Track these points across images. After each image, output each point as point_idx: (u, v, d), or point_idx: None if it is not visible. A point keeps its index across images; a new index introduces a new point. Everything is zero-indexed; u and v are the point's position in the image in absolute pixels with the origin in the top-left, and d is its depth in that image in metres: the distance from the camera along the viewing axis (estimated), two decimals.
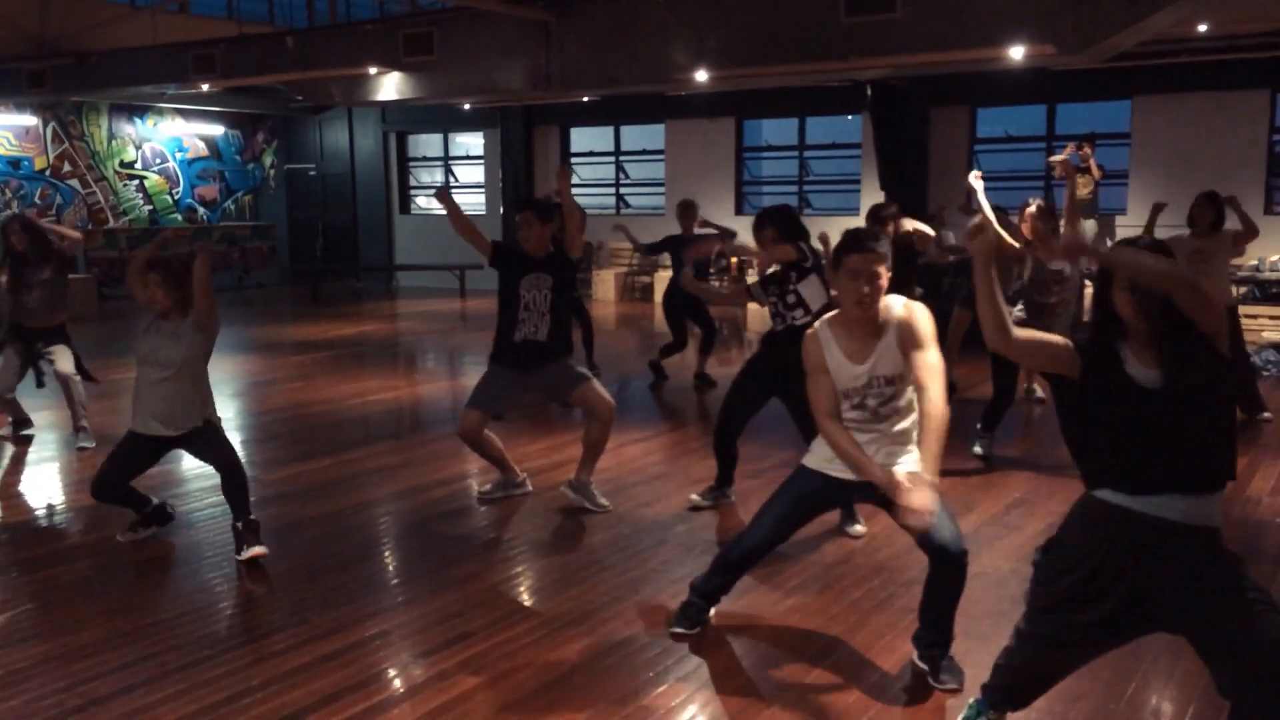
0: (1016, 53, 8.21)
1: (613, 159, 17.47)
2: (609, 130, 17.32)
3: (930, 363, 3.54)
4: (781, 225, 5.32)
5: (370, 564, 5.15)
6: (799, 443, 4.94)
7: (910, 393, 3.66)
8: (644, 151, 17.52)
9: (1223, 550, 2.74)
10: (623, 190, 17.57)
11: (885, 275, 3.60)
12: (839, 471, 3.71)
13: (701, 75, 9.73)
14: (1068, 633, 2.89)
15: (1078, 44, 7.94)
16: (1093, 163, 12.27)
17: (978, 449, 6.70)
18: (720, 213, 16.08)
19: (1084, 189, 12.33)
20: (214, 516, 5.66)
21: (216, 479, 6.31)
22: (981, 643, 3.95)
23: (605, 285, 16.26)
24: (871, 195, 14.40)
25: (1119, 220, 12.95)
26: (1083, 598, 2.82)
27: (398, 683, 3.78)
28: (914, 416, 3.65)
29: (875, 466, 3.58)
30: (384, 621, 4.29)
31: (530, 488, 6.04)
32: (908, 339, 3.59)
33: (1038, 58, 8.48)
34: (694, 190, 16.28)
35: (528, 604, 4.53)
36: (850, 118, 15.53)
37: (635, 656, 3.94)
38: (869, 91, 13.57)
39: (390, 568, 5.17)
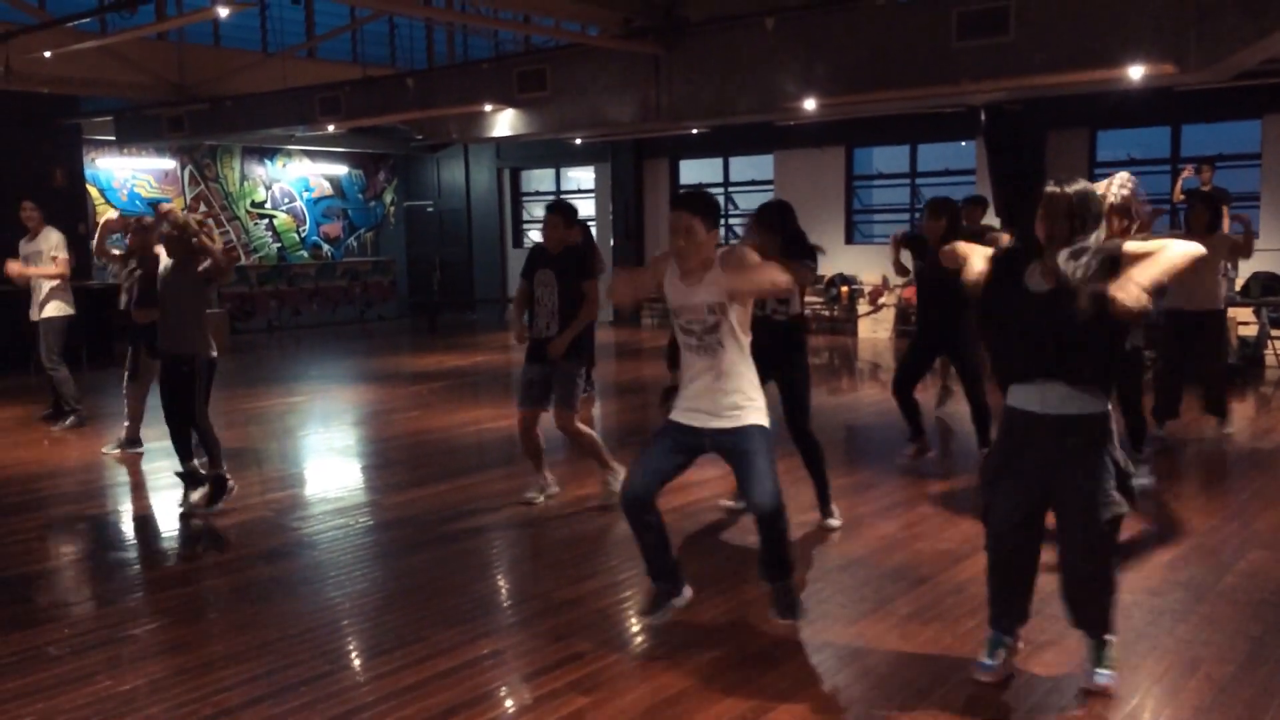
0: (1135, 72, 7.98)
1: (722, 190, 17.57)
2: (718, 162, 17.43)
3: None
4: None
5: (484, 585, 5.27)
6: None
7: (733, 331, 4.01)
8: (753, 182, 17.56)
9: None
10: (732, 221, 17.65)
11: (697, 228, 3.95)
12: (688, 419, 4.12)
13: (810, 103, 9.74)
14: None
15: (1199, 62, 7.69)
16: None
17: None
18: (831, 241, 16.00)
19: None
20: (336, 539, 5.88)
21: (339, 502, 6.54)
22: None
23: None
24: (986, 221, 14.15)
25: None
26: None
27: (509, 701, 3.86)
28: (740, 360, 4.06)
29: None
30: (497, 641, 4.38)
31: (541, 499, 6.38)
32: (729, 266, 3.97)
33: (1158, 77, 8.22)
34: (803, 220, 16.22)
35: (638, 626, 4.57)
36: (964, 143, 15.31)
37: (745, 682, 3.94)
38: (982, 116, 13.36)
39: (503, 589, 5.28)
